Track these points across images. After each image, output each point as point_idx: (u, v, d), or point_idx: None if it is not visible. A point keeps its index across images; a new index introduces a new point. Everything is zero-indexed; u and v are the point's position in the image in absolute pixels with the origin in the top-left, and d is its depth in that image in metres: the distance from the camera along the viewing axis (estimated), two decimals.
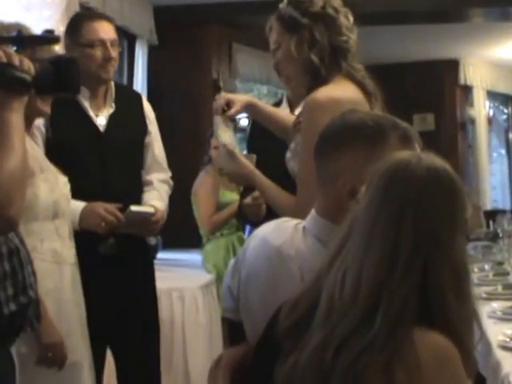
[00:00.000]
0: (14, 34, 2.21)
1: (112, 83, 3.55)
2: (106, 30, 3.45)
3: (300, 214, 2.12)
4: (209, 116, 7.10)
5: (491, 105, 11.83)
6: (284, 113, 2.96)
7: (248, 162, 2.81)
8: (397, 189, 1.52)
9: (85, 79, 3.43)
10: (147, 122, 3.62)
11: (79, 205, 3.23)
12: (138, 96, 3.76)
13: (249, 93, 7.82)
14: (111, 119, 3.48)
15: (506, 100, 12.29)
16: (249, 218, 3.55)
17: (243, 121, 8.23)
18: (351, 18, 2.65)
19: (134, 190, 3.46)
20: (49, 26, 3.86)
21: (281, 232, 1.98)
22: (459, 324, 1.49)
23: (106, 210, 3.25)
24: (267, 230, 2.02)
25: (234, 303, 2.06)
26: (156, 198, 3.48)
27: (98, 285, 3.19)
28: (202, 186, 5.32)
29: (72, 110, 3.41)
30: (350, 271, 1.48)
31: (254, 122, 4.01)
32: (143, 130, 3.60)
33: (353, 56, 2.63)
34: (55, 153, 3.25)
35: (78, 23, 3.49)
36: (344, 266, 1.50)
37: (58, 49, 4.16)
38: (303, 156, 2.47)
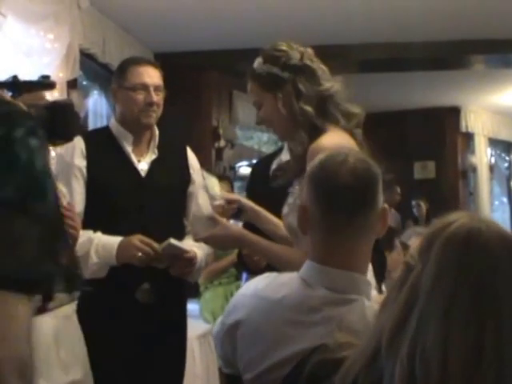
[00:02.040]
0: (9, 79, 2.18)
1: (157, 130, 3.55)
2: (150, 75, 3.45)
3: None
4: (208, 163, 7.15)
5: (493, 152, 11.85)
6: (276, 220, 2.87)
7: (234, 225, 2.77)
8: (474, 261, 1.39)
9: (127, 124, 3.46)
10: (191, 171, 3.61)
11: (116, 240, 3.24)
12: (182, 145, 3.75)
13: (249, 140, 7.83)
14: (153, 165, 3.48)
15: (508, 147, 12.32)
16: (249, 267, 3.51)
17: (243, 169, 8.25)
18: (325, 68, 2.65)
19: (174, 237, 3.41)
20: (49, 73, 3.87)
21: (279, 286, 1.94)
22: None
23: (141, 241, 3.24)
24: (262, 292, 1.96)
25: (231, 368, 2.01)
26: (194, 245, 3.43)
27: (132, 332, 3.23)
28: None
29: (114, 153, 3.43)
30: (433, 357, 1.33)
31: (253, 171, 3.98)
32: (186, 178, 3.57)
33: (343, 99, 2.61)
34: (95, 195, 3.27)
35: (124, 67, 3.51)
36: (419, 347, 1.35)
37: (57, 94, 4.17)
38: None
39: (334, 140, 2.46)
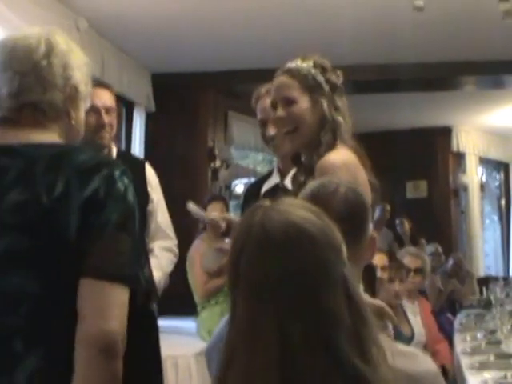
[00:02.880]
0: None
1: (114, 150, 3.57)
2: (100, 97, 3.47)
3: None
4: (204, 183, 7.21)
5: (484, 171, 11.94)
6: None
7: None
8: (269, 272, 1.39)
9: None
10: (149, 189, 3.62)
11: None
12: (140, 163, 3.74)
13: (244, 159, 7.88)
14: None
15: (499, 166, 12.41)
16: None
17: (239, 187, 8.30)
18: None
19: None
20: None
21: None
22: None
23: None
24: None
25: None
26: (154, 267, 3.47)
27: None
28: (197, 253, 5.32)
29: None
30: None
31: (245, 193, 4.02)
32: (144, 197, 3.56)
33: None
34: None
35: None
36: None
37: None
38: None
39: (343, 157, 2.53)
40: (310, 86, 2.66)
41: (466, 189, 11.14)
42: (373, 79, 7.30)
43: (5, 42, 1.90)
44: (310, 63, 2.70)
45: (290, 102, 2.69)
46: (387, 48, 6.48)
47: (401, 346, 2.00)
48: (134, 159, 3.80)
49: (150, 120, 6.96)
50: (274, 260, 1.38)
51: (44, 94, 1.83)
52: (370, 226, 2.01)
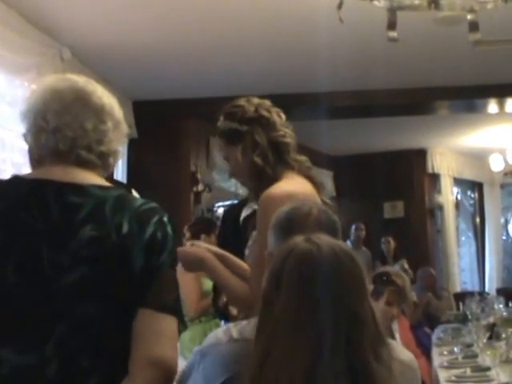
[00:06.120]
0: None
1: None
2: None
3: (253, 303, 2.14)
4: (187, 207, 7.30)
5: (458, 191, 12.14)
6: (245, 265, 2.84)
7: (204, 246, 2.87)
8: (312, 279, 1.58)
9: None
10: None
11: None
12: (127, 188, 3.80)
13: (226, 183, 7.97)
14: None
15: (472, 186, 12.64)
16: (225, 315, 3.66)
17: (221, 209, 8.36)
18: (283, 116, 2.78)
19: None
20: None
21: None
22: None
23: None
24: (240, 335, 1.97)
25: None
26: None
27: None
28: (185, 274, 5.35)
29: None
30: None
31: (224, 218, 4.09)
32: None
33: (294, 149, 2.74)
34: None
35: None
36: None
37: None
38: (255, 248, 2.54)
39: (285, 187, 2.55)
40: (230, 138, 2.73)
41: (441, 208, 11.34)
42: (350, 105, 7.43)
43: (54, 87, 2.01)
44: (222, 117, 2.77)
45: (227, 161, 2.80)
46: (364, 75, 6.58)
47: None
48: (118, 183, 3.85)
49: (133, 146, 7.04)
50: (320, 268, 1.59)
51: (100, 143, 2.00)
52: None
